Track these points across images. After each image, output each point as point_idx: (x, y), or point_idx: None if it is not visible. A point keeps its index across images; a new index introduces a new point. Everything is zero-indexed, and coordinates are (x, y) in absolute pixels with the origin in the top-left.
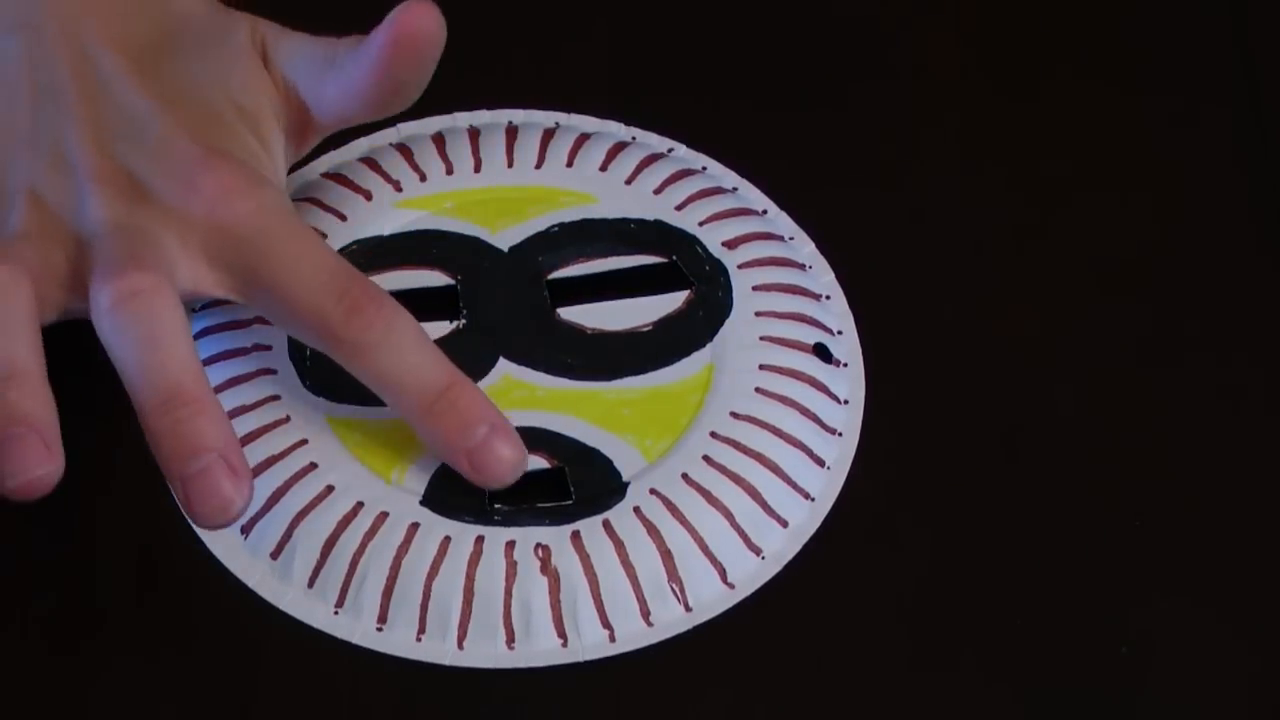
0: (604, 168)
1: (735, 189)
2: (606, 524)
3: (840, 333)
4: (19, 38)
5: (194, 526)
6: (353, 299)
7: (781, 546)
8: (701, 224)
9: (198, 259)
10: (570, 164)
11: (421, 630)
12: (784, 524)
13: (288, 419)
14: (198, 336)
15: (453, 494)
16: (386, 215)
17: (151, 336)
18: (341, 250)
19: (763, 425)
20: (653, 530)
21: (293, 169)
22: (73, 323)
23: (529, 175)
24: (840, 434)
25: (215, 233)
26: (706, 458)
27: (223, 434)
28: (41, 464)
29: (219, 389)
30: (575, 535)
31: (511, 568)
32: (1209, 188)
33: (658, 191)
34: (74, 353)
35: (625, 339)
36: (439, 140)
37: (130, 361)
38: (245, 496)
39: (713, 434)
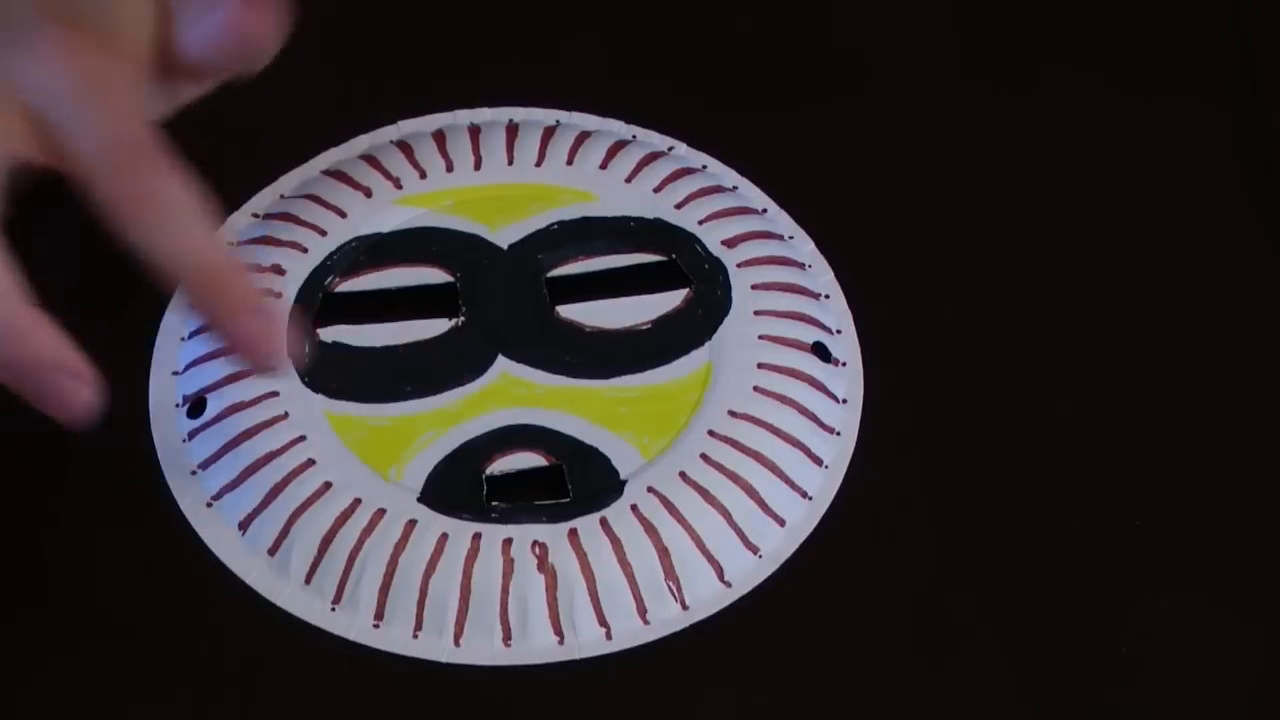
0: (604, 166)
1: (735, 188)
2: (604, 522)
3: (839, 332)
4: None
5: (193, 524)
6: (133, 160)
7: (779, 545)
8: (701, 222)
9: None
10: (570, 162)
11: (418, 627)
12: (781, 523)
13: (286, 415)
14: (195, 333)
15: (450, 491)
16: (386, 212)
17: None
18: (341, 247)
19: (761, 424)
20: (650, 528)
21: (292, 166)
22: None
23: (529, 173)
24: (839, 433)
25: (35, 90)
26: (704, 456)
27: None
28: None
29: (218, 385)
30: (572, 533)
31: (508, 565)
32: (1209, 187)
33: (658, 190)
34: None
35: (624, 337)
36: (439, 137)
37: None
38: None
39: (711, 432)
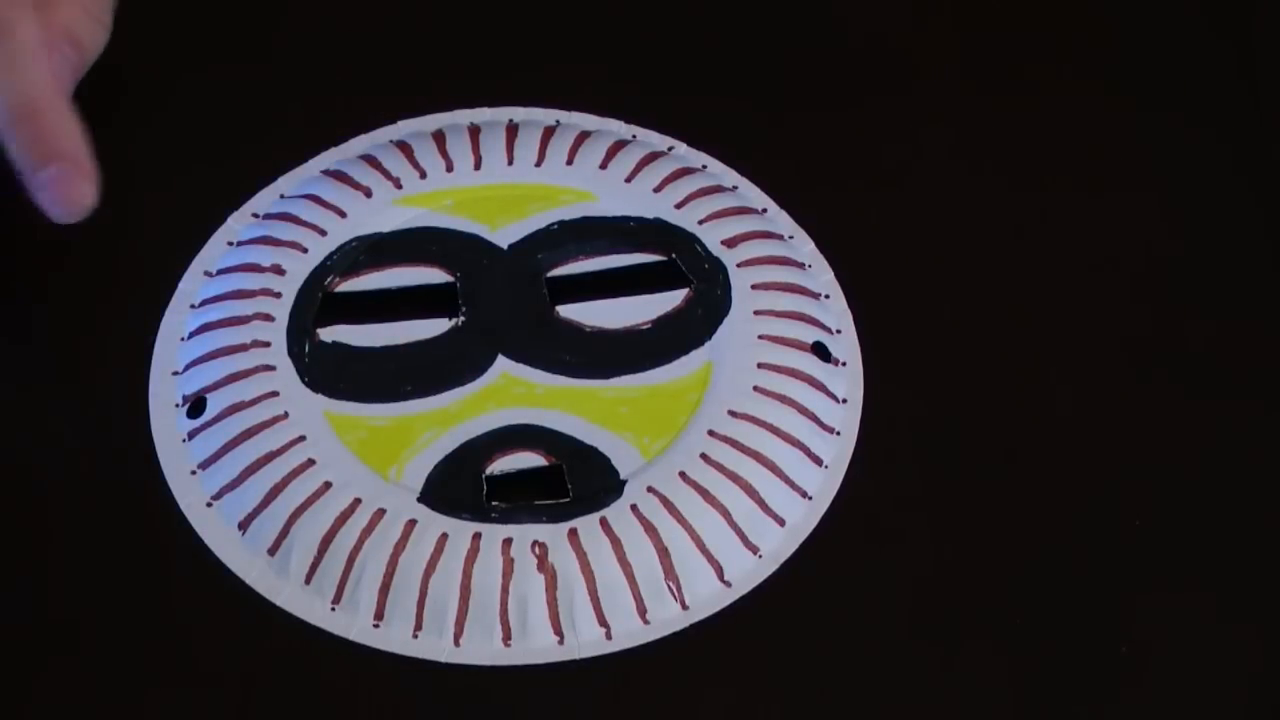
0: (604, 166)
1: (735, 187)
2: (604, 522)
3: (839, 331)
4: None
5: (193, 524)
6: None
7: (779, 545)
8: (701, 222)
9: None
10: (570, 162)
11: (418, 627)
12: (781, 523)
13: (286, 415)
14: (195, 333)
15: (450, 491)
16: (386, 212)
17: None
18: (341, 247)
19: (761, 424)
20: (650, 528)
21: (292, 166)
22: (71, 324)
23: (529, 173)
24: (838, 433)
25: None
26: (704, 456)
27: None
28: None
29: (218, 385)
30: (572, 533)
31: (508, 565)
32: (1209, 188)
33: (658, 190)
34: (75, 354)
35: (624, 337)
36: (439, 137)
37: None
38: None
39: (711, 432)
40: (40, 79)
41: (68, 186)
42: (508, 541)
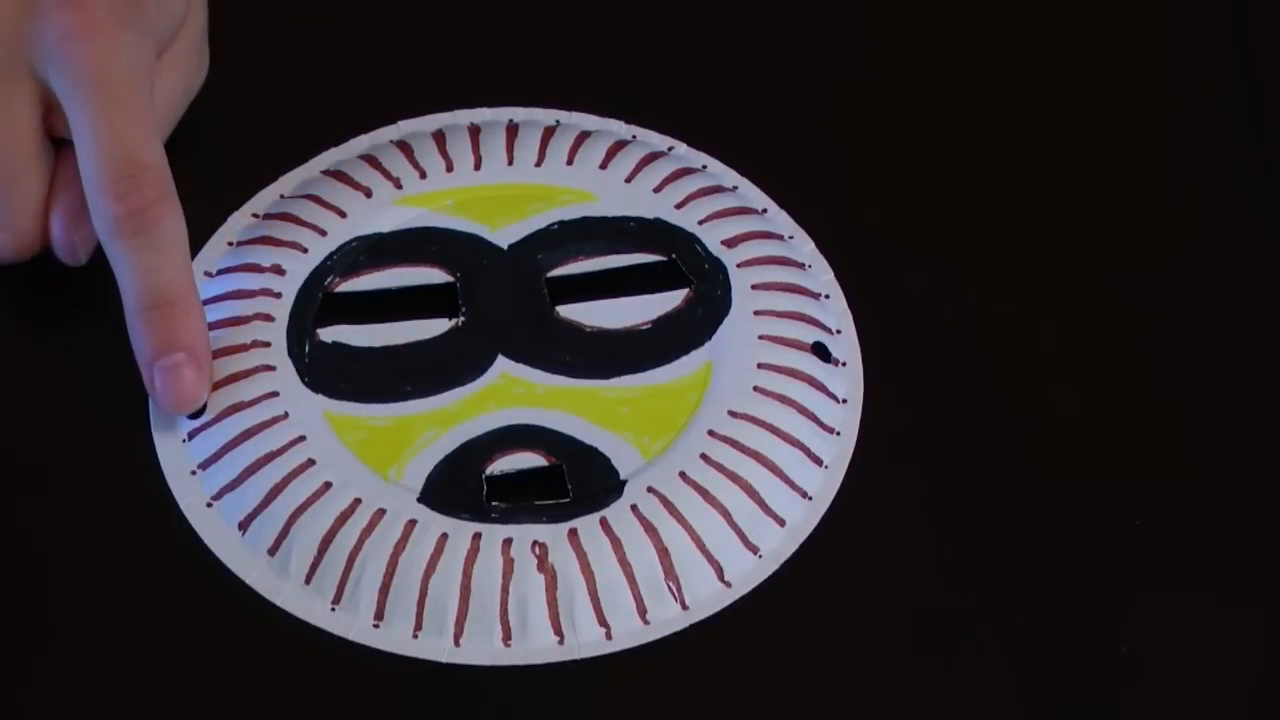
0: (604, 166)
1: (735, 187)
2: (604, 522)
3: (839, 332)
4: None
5: (193, 525)
6: (136, 179)
7: (779, 545)
8: (701, 222)
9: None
10: (570, 162)
11: (418, 627)
12: (781, 523)
13: (286, 416)
14: None
15: (450, 491)
16: (386, 212)
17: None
18: (341, 247)
19: (761, 424)
20: (650, 528)
21: (292, 166)
22: (72, 323)
23: (529, 173)
24: (838, 433)
25: (57, 63)
26: (704, 456)
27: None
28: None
29: (218, 385)
30: (572, 533)
31: (508, 565)
32: (1209, 187)
33: (658, 190)
34: (75, 355)
35: (624, 337)
36: (439, 138)
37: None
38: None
39: (711, 432)
40: (179, 272)
41: (181, 380)
42: (508, 541)
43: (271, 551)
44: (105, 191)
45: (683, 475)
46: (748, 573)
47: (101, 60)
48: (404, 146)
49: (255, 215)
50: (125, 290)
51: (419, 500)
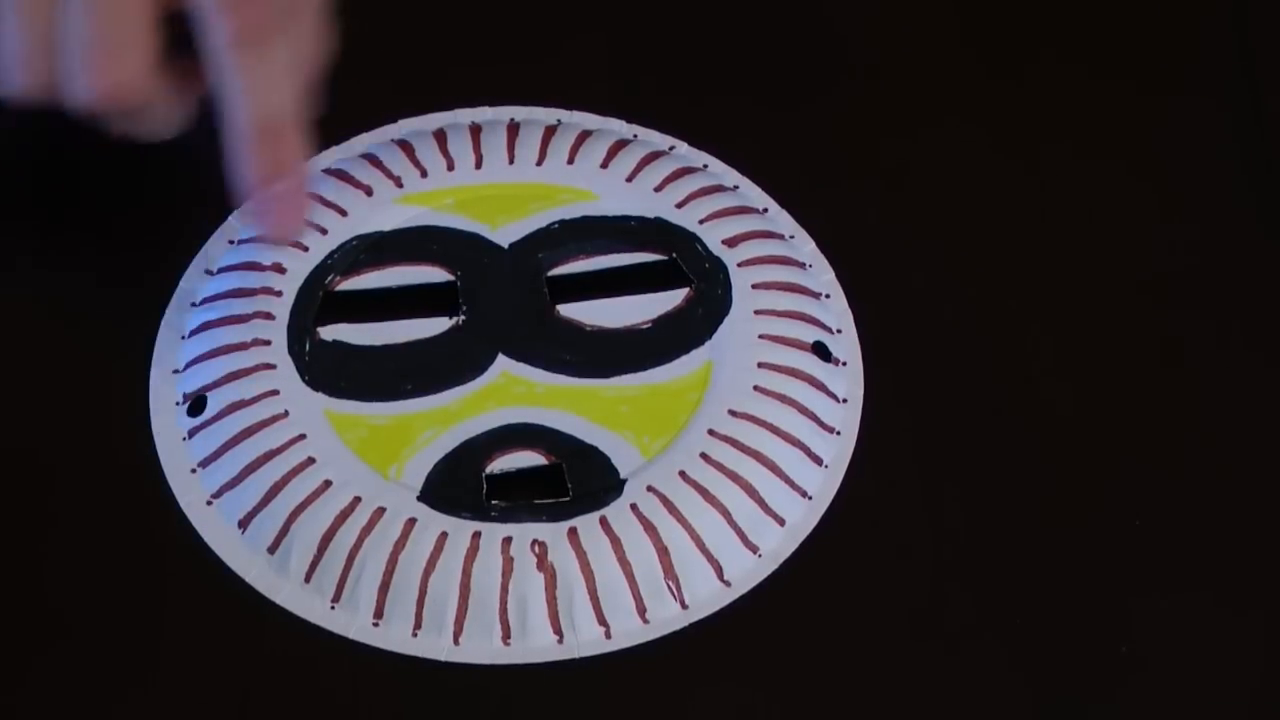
0: (605, 165)
1: (736, 187)
2: (603, 521)
3: (839, 331)
4: None
5: (193, 523)
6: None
7: (778, 545)
8: (702, 222)
9: None
10: (571, 161)
11: (418, 625)
12: (781, 522)
13: (286, 414)
14: (196, 332)
15: (450, 490)
16: (387, 211)
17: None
18: (342, 245)
19: (761, 423)
20: (650, 528)
21: None
22: (72, 322)
23: (530, 172)
24: (838, 433)
25: None
26: (704, 455)
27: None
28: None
29: (218, 383)
30: (572, 532)
31: (508, 564)
32: (1209, 187)
33: (658, 189)
34: (75, 354)
35: (624, 336)
36: (440, 136)
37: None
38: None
39: (711, 432)
40: (288, 101)
41: (283, 206)
42: (507, 540)
43: (271, 550)
44: (220, 7)
45: (683, 474)
46: (747, 572)
47: None
48: (405, 145)
49: None
50: (232, 114)
51: (419, 499)
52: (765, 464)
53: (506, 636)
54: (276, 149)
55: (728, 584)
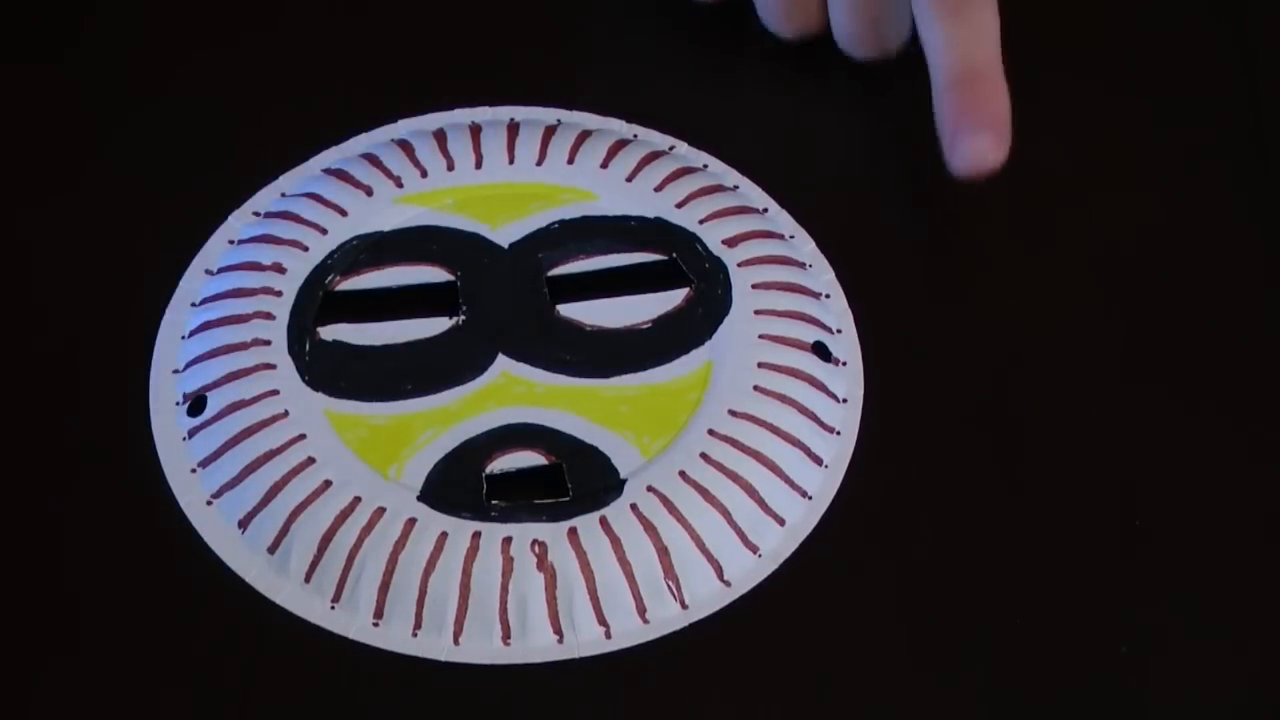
0: (605, 165)
1: (736, 187)
2: (603, 521)
3: (840, 331)
4: None
5: (193, 523)
6: None
7: (779, 545)
8: (702, 222)
9: None
10: (571, 161)
11: (418, 625)
12: (781, 522)
13: (286, 414)
14: (196, 332)
15: (450, 490)
16: (387, 211)
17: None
18: (342, 245)
19: (761, 423)
20: (650, 528)
21: (293, 165)
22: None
23: (530, 172)
24: (839, 433)
25: None
26: (704, 455)
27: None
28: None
29: (218, 383)
30: (572, 532)
31: (508, 564)
32: (1210, 188)
33: (658, 189)
34: (75, 353)
35: (624, 336)
36: (440, 136)
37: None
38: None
39: (711, 432)
40: (989, 52)
41: (979, 147)
42: (507, 540)
43: (271, 550)
44: None
45: (683, 474)
46: (747, 572)
47: None
48: (405, 145)
49: (256, 213)
50: (934, 67)
51: (419, 499)
52: (765, 464)
53: (506, 636)
54: (973, 93)
55: (728, 584)
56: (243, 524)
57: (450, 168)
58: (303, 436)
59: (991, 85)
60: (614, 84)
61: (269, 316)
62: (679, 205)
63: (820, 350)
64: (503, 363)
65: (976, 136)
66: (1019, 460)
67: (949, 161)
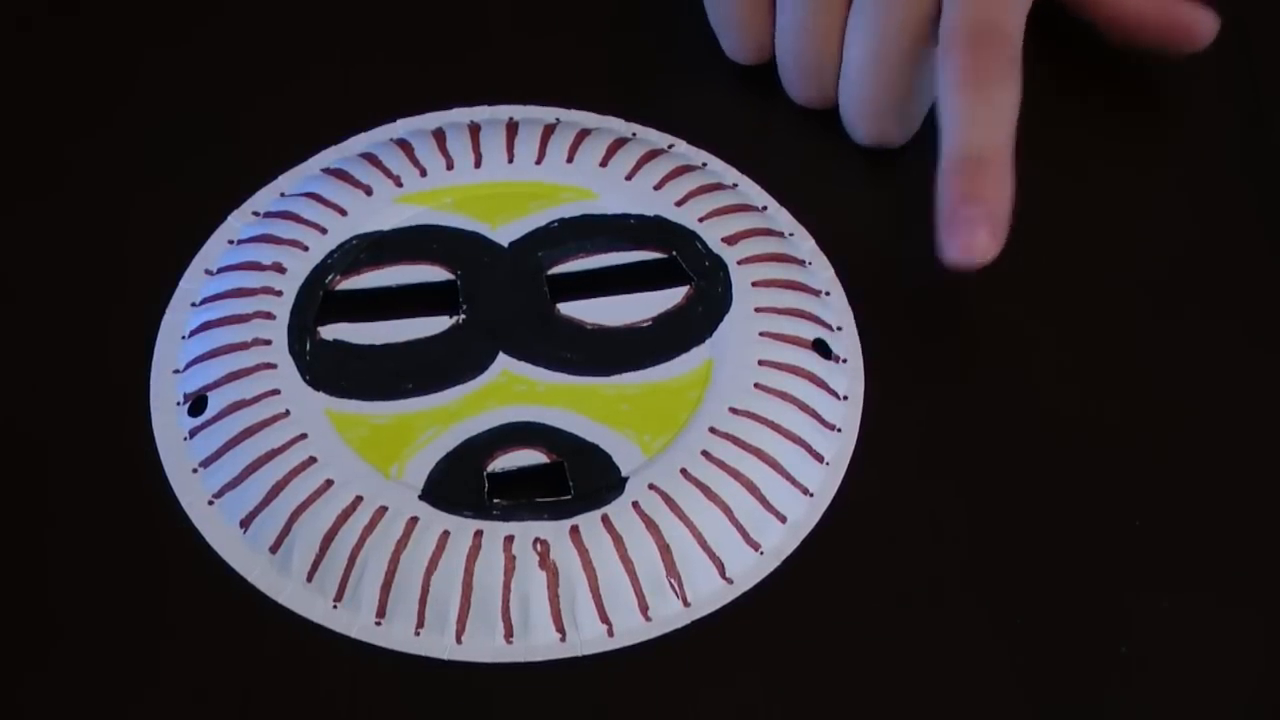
0: (604, 163)
1: (735, 185)
2: (605, 519)
3: (840, 329)
4: None
5: (194, 523)
6: (991, 39)
7: (780, 542)
8: (701, 220)
9: None
10: (571, 159)
11: (420, 624)
12: (783, 520)
13: (287, 413)
14: (196, 332)
15: (451, 489)
16: (387, 210)
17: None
18: (342, 245)
19: (762, 421)
20: (651, 525)
21: (293, 165)
22: (72, 322)
23: (529, 171)
24: (839, 430)
25: None
26: (705, 453)
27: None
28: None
29: (218, 383)
30: (574, 530)
31: (510, 562)
32: (1209, 187)
33: (658, 187)
34: (75, 353)
35: (625, 334)
36: (439, 136)
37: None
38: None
39: (712, 429)
40: (1001, 137)
41: (973, 233)
42: (509, 539)
43: (273, 549)
44: (959, 44)
45: (684, 472)
46: (749, 569)
47: None
48: (404, 145)
49: (256, 213)
50: (946, 138)
51: (420, 498)
52: (766, 461)
53: (509, 635)
54: (977, 179)
55: (730, 581)
56: (244, 524)
57: (449, 167)
58: (304, 436)
59: (996, 173)
60: (613, 82)
61: (269, 316)
62: (678, 203)
63: (821, 347)
64: (503, 361)
65: (972, 232)
66: (1019, 459)
67: (941, 247)
